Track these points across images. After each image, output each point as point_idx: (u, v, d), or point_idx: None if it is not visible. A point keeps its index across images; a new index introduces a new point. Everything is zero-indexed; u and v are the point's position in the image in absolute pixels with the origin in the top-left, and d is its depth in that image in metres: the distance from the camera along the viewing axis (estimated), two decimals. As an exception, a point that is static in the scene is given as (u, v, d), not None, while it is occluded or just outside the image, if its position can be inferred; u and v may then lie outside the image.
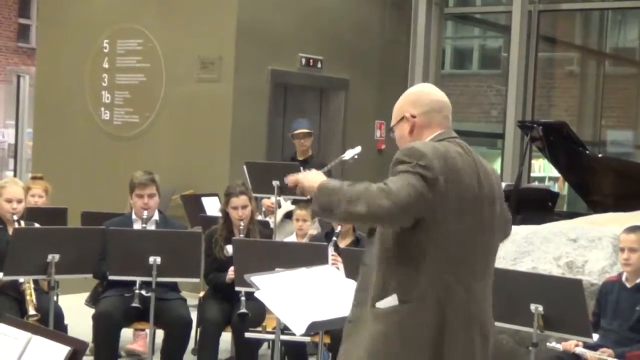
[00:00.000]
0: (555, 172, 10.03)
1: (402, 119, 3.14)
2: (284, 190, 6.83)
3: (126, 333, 6.04)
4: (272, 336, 5.20)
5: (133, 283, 5.53)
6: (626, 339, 4.87)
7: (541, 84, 11.42)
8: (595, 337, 4.83)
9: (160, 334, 5.73)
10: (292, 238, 6.53)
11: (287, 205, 7.56)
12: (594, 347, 4.78)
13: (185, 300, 5.90)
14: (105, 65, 9.75)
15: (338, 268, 5.14)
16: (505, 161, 10.34)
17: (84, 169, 9.74)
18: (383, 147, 10.34)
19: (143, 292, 5.51)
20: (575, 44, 12.88)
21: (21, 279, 5.41)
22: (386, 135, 10.03)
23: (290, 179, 3.11)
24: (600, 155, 9.84)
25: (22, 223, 5.56)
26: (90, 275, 5.77)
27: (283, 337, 4.97)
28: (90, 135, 9.80)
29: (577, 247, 5.70)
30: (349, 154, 7.14)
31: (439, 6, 10.95)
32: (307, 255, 5.03)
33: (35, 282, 5.52)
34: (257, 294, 3.50)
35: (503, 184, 3.71)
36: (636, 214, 6.46)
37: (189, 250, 5.44)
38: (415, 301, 2.93)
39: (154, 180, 5.92)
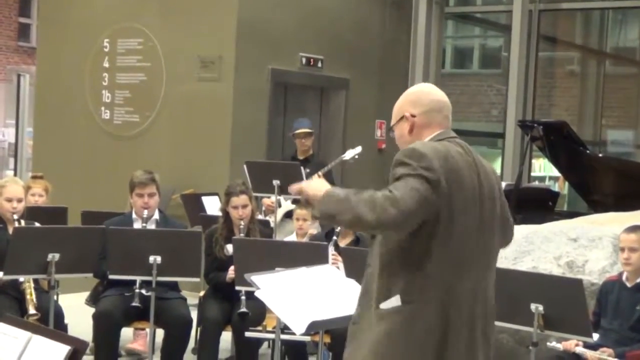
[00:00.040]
0: (555, 172, 10.05)
1: (401, 118, 3.14)
2: (284, 189, 6.82)
3: (126, 332, 6.04)
4: (272, 335, 5.19)
5: (133, 282, 5.53)
6: (626, 339, 4.87)
7: (542, 83, 11.41)
8: (596, 336, 4.82)
9: (160, 333, 5.73)
10: (293, 237, 6.52)
11: (287, 205, 7.56)
12: (594, 347, 4.77)
13: (185, 299, 5.90)
14: (106, 65, 9.75)
15: (338, 267, 5.13)
16: (505, 161, 10.33)
17: (84, 168, 9.73)
18: (383, 146, 10.33)
19: (143, 291, 5.50)
20: (576, 44, 12.87)
21: (21, 278, 5.41)
22: (386, 134, 10.02)
23: (294, 187, 3.07)
24: (600, 155, 9.83)
25: (22, 222, 5.56)
26: (90, 275, 5.77)
27: (283, 337, 4.95)
28: (91, 134, 9.80)
29: (578, 247, 5.69)
30: (349, 154, 7.12)
31: (439, 5, 10.94)
32: (308, 254, 5.02)
33: (36, 281, 5.52)
34: (257, 293, 3.50)
35: (503, 184, 3.72)
36: (636, 213, 6.46)
37: (189, 250, 5.44)
38: (418, 302, 2.93)
39: (154, 179, 5.92)
